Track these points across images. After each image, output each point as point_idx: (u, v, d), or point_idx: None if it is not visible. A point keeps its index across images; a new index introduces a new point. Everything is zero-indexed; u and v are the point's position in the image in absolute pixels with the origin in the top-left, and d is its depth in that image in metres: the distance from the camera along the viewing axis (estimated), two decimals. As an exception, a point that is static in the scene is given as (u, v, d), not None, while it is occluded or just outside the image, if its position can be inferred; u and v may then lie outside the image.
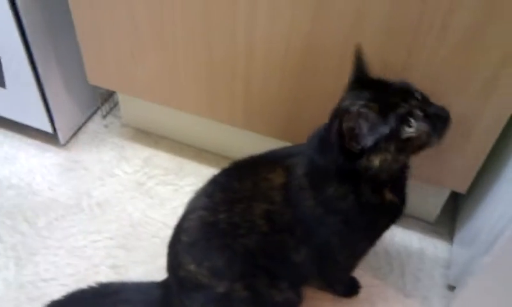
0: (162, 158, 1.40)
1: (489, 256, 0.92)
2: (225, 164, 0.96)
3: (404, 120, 0.77)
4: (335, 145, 0.80)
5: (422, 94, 0.82)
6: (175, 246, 0.93)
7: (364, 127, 0.77)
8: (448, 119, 0.81)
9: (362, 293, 1.14)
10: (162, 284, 1.01)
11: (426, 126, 0.78)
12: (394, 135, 0.77)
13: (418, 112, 0.78)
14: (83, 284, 1.02)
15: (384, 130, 0.77)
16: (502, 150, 1.05)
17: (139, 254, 1.17)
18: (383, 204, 0.88)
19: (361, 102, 0.79)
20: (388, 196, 0.88)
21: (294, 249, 0.89)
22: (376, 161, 0.79)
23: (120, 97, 1.43)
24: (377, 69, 0.94)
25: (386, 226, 0.94)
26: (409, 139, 0.78)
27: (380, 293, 1.15)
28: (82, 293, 1.01)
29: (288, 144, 1.05)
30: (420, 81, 0.93)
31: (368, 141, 0.77)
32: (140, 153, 1.41)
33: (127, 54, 1.18)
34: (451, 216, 1.30)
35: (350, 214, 0.87)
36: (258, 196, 0.88)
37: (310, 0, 0.94)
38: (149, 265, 1.14)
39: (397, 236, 1.25)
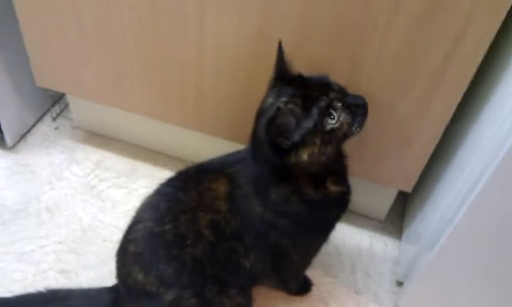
0: (114, 161, 1.38)
1: (433, 253, 0.96)
2: (180, 166, 0.96)
3: (325, 112, 0.81)
4: (265, 144, 0.82)
5: (339, 86, 0.85)
6: (123, 256, 0.93)
7: (291, 122, 0.79)
8: (365, 106, 0.85)
9: (314, 291, 1.16)
10: (112, 289, 1.00)
11: (346, 116, 0.82)
12: (318, 128, 0.80)
13: (338, 104, 0.82)
14: (31, 291, 0.99)
15: (309, 123, 0.80)
16: (444, 150, 1.09)
17: (90, 258, 1.15)
18: (329, 197, 0.90)
19: (284, 99, 0.81)
20: (332, 187, 0.90)
21: (244, 255, 0.90)
22: (304, 155, 0.81)
23: (70, 99, 1.40)
24: (325, 67, 0.95)
25: (337, 218, 0.96)
26: (332, 130, 0.81)
27: (332, 291, 1.17)
28: (29, 298, 0.98)
29: (241, 146, 1.06)
30: (368, 83, 0.96)
31: (296, 136, 0.80)
32: (91, 156, 1.38)
33: (74, 57, 1.17)
34: (400, 214, 1.34)
35: (299, 215, 0.89)
36: (203, 206, 0.88)
37: (256, 2, 0.95)
38: (100, 269, 1.12)
39: (348, 235, 1.28)
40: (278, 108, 0.79)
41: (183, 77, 1.11)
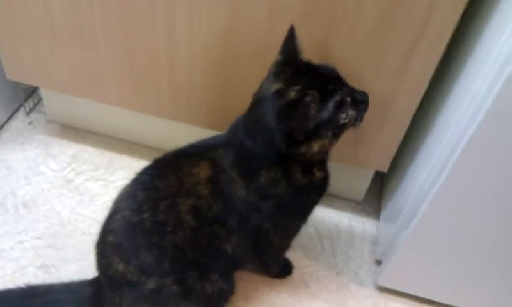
0: (91, 154, 1.37)
1: (409, 230, 0.98)
2: (157, 156, 0.95)
3: (339, 107, 0.82)
4: (275, 130, 0.81)
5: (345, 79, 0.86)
6: (102, 247, 0.92)
7: (310, 115, 0.79)
8: (368, 104, 0.87)
9: (295, 274, 1.17)
10: (93, 282, 1.00)
11: (353, 112, 0.84)
12: (332, 121, 0.82)
13: (348, 99, 0.83)
14: (11, 287, 0.99)
15: (324, 117, 0.81)
16: (418, 130, 1.11)
17: (70, 252, 1.14)
18: (313, 183, 0.92)
19: (298, 87, 0.80)
20: (317, 173, 0.91)
21: (226, 239, 0.90)
22: (316, 146, 0.83)
23: (43, 92, 1.38)
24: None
25: (317, 201, 0.98)
26: (343, 124, 0.83)
27: (313, 273, 1.19)
28: (9, 295, 0.98)
29: (217, 132, 1.06)
30: (338, 67, 0.96)
31: (313, 129, 0.81)
32: (67, 150, 1.37)
33: (45, 49, 1.15)
34: (378, 195, 1.36)
35: (283, 198, 0.90)
36: (183, 191, 0.88)
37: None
38: (80, 263, 1.12)
39: (328, 217, 1.30)
40: (299, 99, 0.79)
41: (155, 67, 1.11)
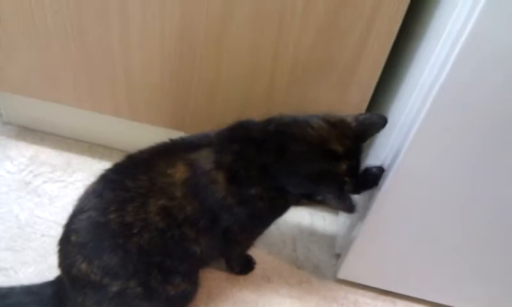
0: (49, 155, 1.34)
1: (363, 224, 1.01)
2: (118, 157, 0.94)
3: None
4: (306, 181, 0.87)
5: None
6: (65, 245, 0.91)
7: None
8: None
9: (257, 269, 1.19)
10: (55, 282, 0.98)
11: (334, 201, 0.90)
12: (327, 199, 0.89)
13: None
14: (-31, 292, 0.96)
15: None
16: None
17: (29, 254, 1.12)
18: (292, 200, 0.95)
19: (349, 164, 0.87)
20: None
21: (195, 240, 0.90)
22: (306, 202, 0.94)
23: (-2, 94, 1.35)
24: (248, 61, 0.99)
25: (288, 209, 1.00)
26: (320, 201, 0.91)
27: (275, 268, 1.21)
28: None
29: (179, 133, 1.07)
30: (291, 69, 0.98)
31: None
32: (25, 152, 1.34)
33: (-3, 51, 1.13)
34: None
35: (260, 210, 0.92)
36: (155, 192, 0.86)
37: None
38: (40, 265, 1.10)
39: (289, 212, 1.31)
40: (344, 181, 0.87)
41: (111, 66, 1.10)
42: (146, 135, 1.11)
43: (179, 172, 0.88)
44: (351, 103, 1.05)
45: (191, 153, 0.90)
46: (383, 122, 0.89)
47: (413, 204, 0.95)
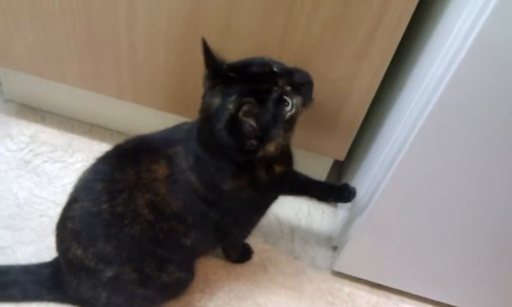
0: (50, 135, 1.34)
1: (363, 217, 1.01)
2: (119, 139, 0.94)
3: (280, 102, 0.80)
4: (231, 148, 0.80)
5: (283, 66, 0.84)
6: (62, 231, 0.92)
7: (253, 124, 0.77)
8: (311, 81, 0.85)
9: (255, 258, 1.20)
10: (52, 263, 0.99)
11: (300, 98, 0.82)
12: (278, 119, 0.80)
13: (288, 88, 0.81)
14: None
15: (268, 118, 0.79)
16: (374, 121, 1.14)
17: (27, 234, 1.12)
18: (275, 178, 0.92)
19: (234, 97, 0.78)
20: (278, 168, 0.91)
21: (184, 234, 0.90)
22: (272, 148, 0.82)
23: (0, 71, 1.34)
24: (255, 46, 0.97)
25: (277, 196, 0.99)
26: (291, 116, 0.82)
27: (272, 257, 1.21)
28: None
29: (181, 118, 1.06)
30: (297, 55, 0.97)
31: (261, 135, 0.79)
32: (26, 130, 1.34)
33: (2, 27, 1.11)
34: (337, 182, 1.40)
35: (246, 199, 0.91)
36: (141, 186, 0.87)
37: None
38: (38, 245, 1.10)
39: (288, 203, 1.32)
40: (236, 111, 0.77)
41: (116, 48, 1.09)
42: (148, 118, 1.11)
43: (161, 168, 0.87)
44: (355, 99, 1.04)
45: (170, 148, 0.89)
46: (204, 43, 0.82)
47: (412, 202, 0.96)
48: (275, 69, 0.82)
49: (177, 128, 0.94)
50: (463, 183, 0.90)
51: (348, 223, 1.13)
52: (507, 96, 0.76)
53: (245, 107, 0.76)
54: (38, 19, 1.08)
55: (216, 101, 0.80)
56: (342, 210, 1.28)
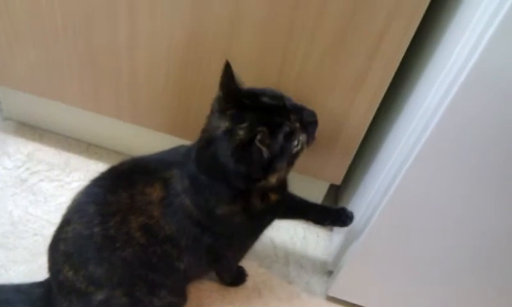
0: (47, 153, 1.34)
1: (359, 242, 1.01)
2: (117, 159, 0.94)
3: (289, 138, 0.82)
4: (234, 174, 0.80)
5: (294, 103, 0.86)
6: (54, 252, 0.91)
7: (264, 154, 0.79)
8: (317, 122, 0.87)
9: (249, 282, 1.19)
10: (44, 283, 0.98)
11: (304, 136, 0.84)
12: (285, 153, 0.82)
13: (298, 125, 0.83)
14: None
15: (277, 151, 0.80)
16: (371, 145, 1.15)
17: (20, 253, 1.12)
18: (270, 206, 0.92)
19: (246, 124, 0.79)
20: (273, 196, 0.92)
21: (178, 258, 0.90)
22: (273, 179, 0.83)
23: (0, 89, 1.35)
24: (254, 72, 0.98)
25: (271, 222, 0.99)
26: (296, 152, 0.84)
27: (266, 281, 1.20)
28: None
29: (179, 140, 1.07)
30: (295, 82, 0.98)
31: (266, 164, 0.80)
32: (23, 148, 1.34)
33: (4, 45, 1.13)
34: (334, 205, 1.39)
35: (240, 224, 0.91)
36: (135, 209, 0.86)
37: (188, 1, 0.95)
38: (31, 264, 1.10)
39: (283, 227, 1.32)
40: (249, 138, 0.78)
41: (116, 68, 1.10)
42: (145, 139, 1.12)
43: (156, 191, 0.87)
44: (352, 125, 1.05)
45: (165, 171, 0.89)
46: (228, 67, 0.83)
47: (408, 228, 0.95)
48: (287, 104, 0.84)
49: (174, 151, 0.94)
50: (459, 210, 0.89)
51: (343, 248, 1.13)
52: (504, 123, 0.76)
53: (260, 136, 0.77)
54: (40, 38, 1.09)
55: (224, 124, 0.81)
56: (337, 235, 1.27)
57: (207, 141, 0.84)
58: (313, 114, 0.87)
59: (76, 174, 1.31)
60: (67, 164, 1.33)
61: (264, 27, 0.95)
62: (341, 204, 1.30)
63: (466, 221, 0.91)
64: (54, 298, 0.93)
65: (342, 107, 1.03)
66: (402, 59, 0.94)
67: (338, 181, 1.19)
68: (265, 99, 0.83)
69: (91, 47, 1.08)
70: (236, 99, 0.82)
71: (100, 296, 0.87)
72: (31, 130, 1.39)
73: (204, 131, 0.86)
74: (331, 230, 1.34)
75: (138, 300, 0.89)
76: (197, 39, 1.01)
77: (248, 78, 0.91)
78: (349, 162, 1.13)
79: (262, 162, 0.79)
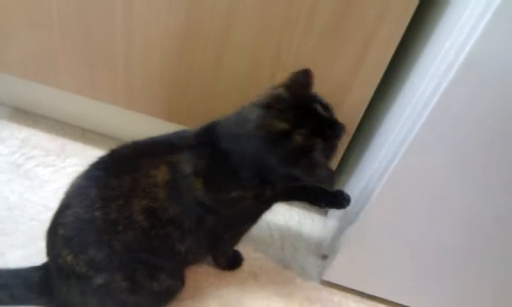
0: (42, 139, 1.34)
1: (353, 227, 1.02)
2: (112, 145, 0.93)
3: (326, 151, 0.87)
4: (276, 172, 0.85)
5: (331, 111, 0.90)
6: (53, 237, 0.91)
7: (324, 163, 0.85)
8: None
9: (245, 266, 1.20)
10: (42, 267, 0.98)
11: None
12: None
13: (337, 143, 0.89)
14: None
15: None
16: (366, 131, 1.16)
17: (17, 238, 1.12)
18: (277, 193, 0.95)
19: (303, 131, 0.83)
20: (279, 185, 0.93)
21: (179, 240, 0.90)
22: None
23: (-7, 74, 1.34)
24: (251, 56, 0.98)
25: (271, 205, 1.00)
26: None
27: (262, 265, 1.22)
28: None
29: (175, 125, 1.07)
30: (292, 65, 0.99)
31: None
32: (18, 133, 1.33)
33: (-2, 31, 1.12)
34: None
35: (245, 209, 0.93)
36: (138, 191, 0.86)
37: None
38: (28, 249, 1.10)
39: (279, 212, 1.33)
40: (306, 146, 0.83)
41: (112, 54, 1.10)
42: (141, 125, 1.11)
43: (161, 173, 0.87)
44: (348, 111, 1.06)
45: (173, 155, 0.89)
46: (307, 74, 0.88)
47: (403, 212, 0.96)
48: (335, 118, 0.89)
49: (180, 133, 0.94)
50: (454, 195, 0.91)
51: (338, 232, 1.14)
52: (496, 115, 0.77)
53: (318, 147, 0.83)
54: (34, 23, 1.08)
55: (280, 125, 0.84)
56: (332, 219, 1.29)
57: (250, 132, 0.85)
58: (343, 130, 0.91)
59: (72, 159, 1.30)
60: (62, 149, 1.33)
61: (261, 11, 0.95)
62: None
63: (460, 205, 0.92)
64: (53, 282, 0.94)
65: (339, 91, 1.03)
66: (398, 46, 0.95)
67: (333, 167, 1.19)
68: (319, 108, 0.87)
69: (86, 32, 1.08)
70: (297, 103, 0.85)
71: (99, 280, 0.87)
72: (26, 115, 1.39)
73: (247, 121, 0.86)
74: (326, 215, 1.36)
75: (138, 284, 0.90)
76: (193, 26, 1.00)
77: (244, 62, 0.92)
78: (344, 147, 1.13)
79: (313, 171, 0.83)
